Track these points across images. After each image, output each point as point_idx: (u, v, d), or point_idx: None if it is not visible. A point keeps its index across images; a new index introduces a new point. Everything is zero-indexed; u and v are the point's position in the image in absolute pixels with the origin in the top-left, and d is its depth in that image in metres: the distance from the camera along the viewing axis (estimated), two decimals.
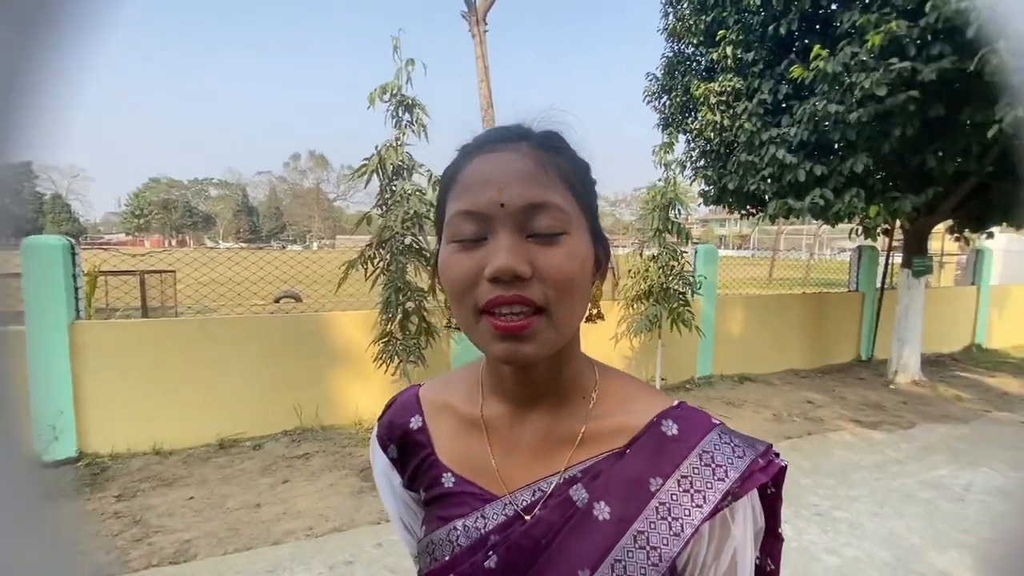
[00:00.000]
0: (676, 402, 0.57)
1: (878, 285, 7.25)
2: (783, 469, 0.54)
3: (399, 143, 3.66)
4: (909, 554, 2.68)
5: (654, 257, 5.01)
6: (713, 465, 0.51)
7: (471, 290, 0.48)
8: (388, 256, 3.71)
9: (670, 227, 4.92)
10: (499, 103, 6.14)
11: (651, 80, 7.08)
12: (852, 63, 4.34)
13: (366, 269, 3.75)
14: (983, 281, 8.29)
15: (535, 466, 0.55)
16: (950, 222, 6.51)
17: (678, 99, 6.58)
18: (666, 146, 4.95)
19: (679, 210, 4.98)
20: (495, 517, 0.54)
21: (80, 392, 3.51)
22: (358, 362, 4.30)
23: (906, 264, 6.13)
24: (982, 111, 4.15)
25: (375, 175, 3.69)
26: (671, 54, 6.81)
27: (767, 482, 0.53)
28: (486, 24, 5.99)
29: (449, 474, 0.58)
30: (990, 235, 6.79)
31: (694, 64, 6.58)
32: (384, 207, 3.78)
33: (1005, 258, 10.22)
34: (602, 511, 0.51)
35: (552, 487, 0.53)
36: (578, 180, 0.52)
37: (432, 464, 0.60)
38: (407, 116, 3.68)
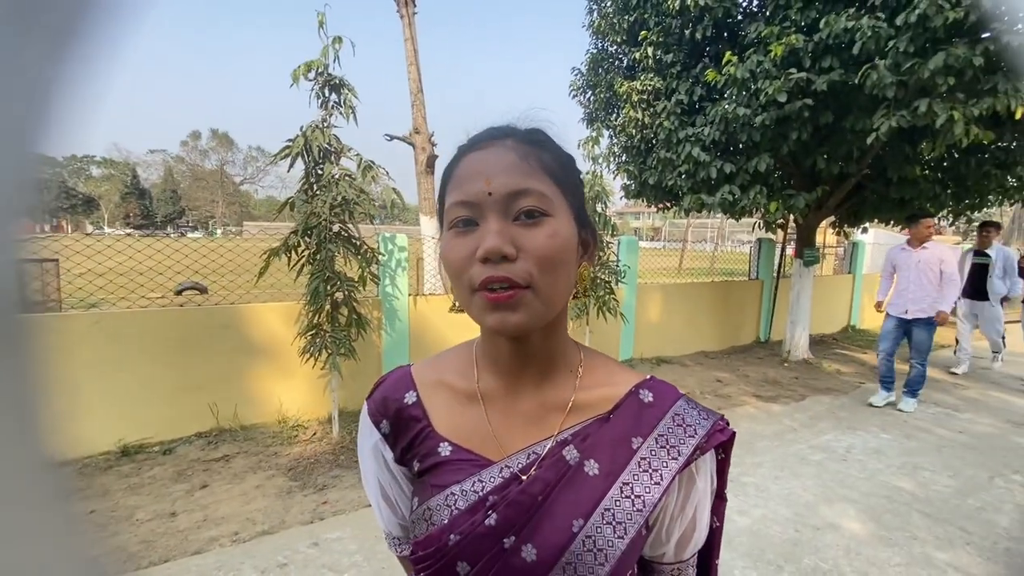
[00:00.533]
0: (648, 376, 0.66)
1: (774, 274, 8.04)
2: (734, 435, 0.63)
3: (326, 125, 3.48)
4: (806, 509, 3.05)
5: None
6: (684, 425, 0.60)
7: (466, 270, 0.54)
8: (315, 244, 3.54)
9: (597, 219, 5.13)
10: (428, 88, 6.02)
11: (576, 75, 7.26)
12: (758, 70, 4.74)
13: (290, 258, 3.55)
14: (857, 270, 9.47)
15: (530, 430, 0.61)
16: (832, 218, 7.36)
17: (602, 95, 6.81)
18: (593, 140, 5.13)
19: (606, 202, 5.20)
20: (492, 480, 0.58)
21: None
22: (280, 356, 4.06)
23: (798, 255, 6.86)
24: (862, 120, 4.72)
25: (299, 158, 3.48)
26: (595, 51, 7.03)
27: (719, 446, 0.62)
28: (415, 6, 5.81)
29: (446, 444, 0.62)
30: (864, 230, 7.77)
31: (617, 62, 6.84)
32: (309, 192, 3.58)
33: (874, 250, 11.75)
34: (592, 467, 0.57)
35: (546, 449, 0.59)
36: (560, 169, 0.58)
37: (428, 436, 0.63)
38: (334, 96, 3.51)
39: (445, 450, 0.62)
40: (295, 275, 3.60)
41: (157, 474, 3.27)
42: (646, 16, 5.87)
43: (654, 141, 6.05)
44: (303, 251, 3.56)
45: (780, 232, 7.72)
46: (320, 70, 3.40)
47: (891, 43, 4.10)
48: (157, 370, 3.68)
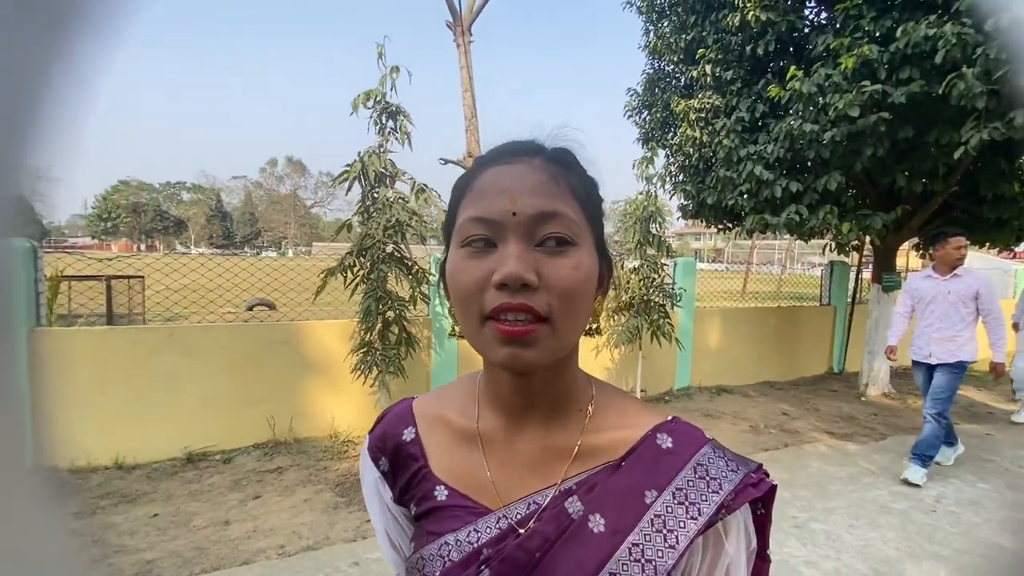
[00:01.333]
0: (670, 416, 0.58)
1: (848, 299, 7.45)
2: (773, 488, 0.55)
3: (382, 150, 3.62)
4: (886, 566, 2.72)
5: (635, 269, 5.05)
6: (708, 478, 0.52)
7: (478, 295, 0.49)
8: (369, 264, 3.65)
9: (651, 240, 4.98)
10: (483, 112, 6.17)
11: (632, 95, 7.20)
12: (826, 84, 4.48)
13: (345, 277, 3.68)
14: None
15: (530, 479, 0.55)
16: (916, 239, 6.75)
17: (658, 115, 6.70)
18: (647, 160, 5.02)
19: (659, 223, 5.04)
20: (488, 531, 0.54)
21: (38, 403, 3.32)
22: (335, 373, 4.19)
23: (876, 279, 6.32)
24: (948, 133, 4.33)
25: (356, 182, 3.63)
26: (651, 71, 6.95)
27: (758, 501, 0.54)
28: (471, 35, 6.01)
29: (442, 487, 0.58)
30: None
31: (674, 81, 6.72)
32: (365, 214, 3.72)
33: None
34: (597, 523, 0.51)
35: (547, 500, 0.54)
36: (587, 195, 0.54)
37: (425, 477, 0.59)
38: (391, 123, 3.65)
39: (441, 494, 0.57)
40: (350, 294, 3.72)
41: (216, 482, 3.42)
42: (704, 34, 5.74)
43: (713, 160, 5.84)
44: (358, 271, 3.68)
45: (855, 254, 7.18)
46: (378, 98, 3.55)
47: (979, 50, 3.75)
48: (222, 382, 3.89)
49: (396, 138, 3.62)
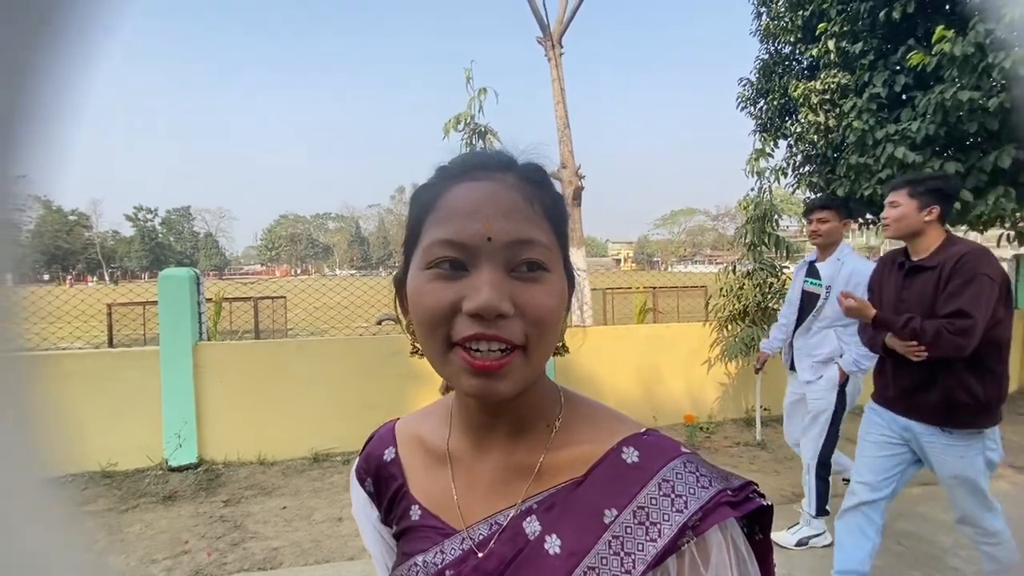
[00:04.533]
0: (643, 429, 0.53)
1: None
2: (766, 509, 0.49)
3: None
4: None
5: (749, 274, 4.60)
6: (672, 495, 0.47)
7: (445, 321, 0.46)
8: None
9: (767, 240, 4.50)
10: (575, 124, 6.14)
11: (745, 85, 6.65)
12: (987, 42, 3.70)
13: None
14: None
15: (494, 498, 0.54)
16: None
17: (775, 102, 6.10)
18: (759, 153, 4.57)
19: (777, 221, 4.54)
20: (452, 551, 0.53)
21: (201, 405, 3.98)
22: (437, 383, 4.39)
23: None
24: None
25: None
26: (766, 56, 6.36)
27: (754, 524, 0.49)
28: (562, 47, 6.04)
29: (416, 507, 0.58)
30: None
31: (792, 63, 6.07)
32: None
33: None
34: (553, 544, 0.49)
35: (508, 520, 0.52)
36: (557, 214, 0.51)
37: (403, 496, 0.59)
38: (480, 144, 3.79)
39: (415, 514, 0.57)
40: None
41: (336, 481, 3.77)
42: (825, 6, 5.11)
43: (842, 146, 5.14)
44: None
45: None
46: (467, 121, 3.72)
47: None
48: (342, 389, 4.31)
49: None
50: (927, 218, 2.04)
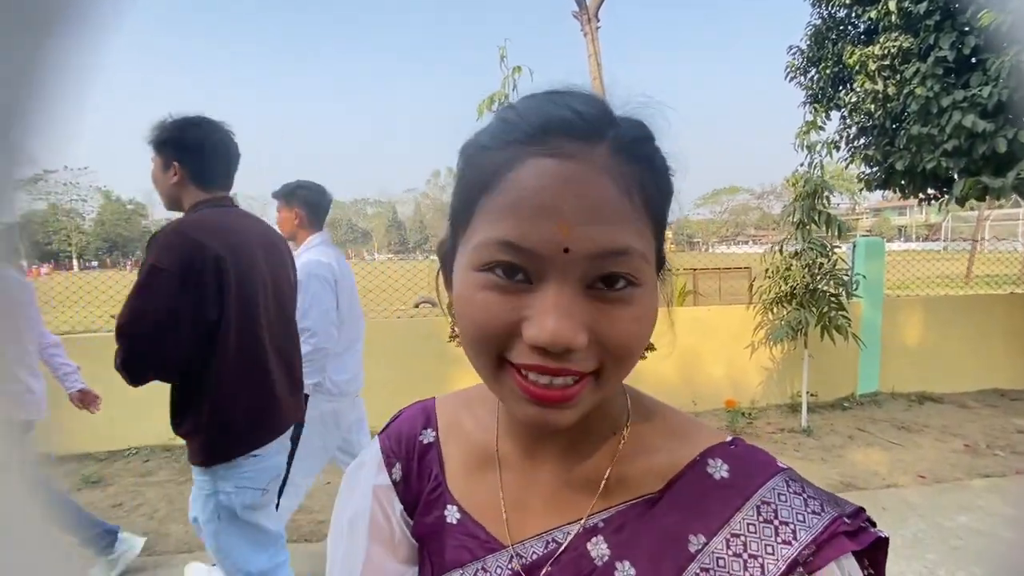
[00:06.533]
0: (730, 438, 0.46)
1: None
2: (882, 541, 0.41)
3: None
4: None
5: (797, 254, 4.38)
6: (776, 523, 0.40)
7: (500, 339, 0.37)
8: None
9: (817, 218, 4.26)
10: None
11: (794, 54, 6.27)
12: None
13: None
14: None
15: (550, 513, 0.47)
16: None
17: (828, 71, 5.72)
18: (810, 125, 4.30)
19: (828, 198, 4.29)
20: (498, 570, 0.46)
21: None
22: (468, 366, 4.44)
23: None
24: None
25: None
26: (819, 21, 5.96)
27: (862, 558, 0.40)
28: (598, 21, 5.83)
29: (454, 508, 0.50)
30: None
31: (848, 28, 5.66)
32: None
33: None
34: (626, 572, 0.42)
35: (568, 539, 0.45)
36: (660, 199, 0.40)
37: (438, 490, 0.51)
38: None
39: (452, 516, 0.49)
40: None
41: None
42: None
43: (903, 115, 4.78)
44: None
45: None
46: (501, 100, 3.65)
47: None
48: (380, 371, 4.40)
49: None
50: (172, 179, 1.52)
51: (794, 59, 6.23)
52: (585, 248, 0.35)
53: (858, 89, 5.00)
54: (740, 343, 4.69)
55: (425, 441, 0.54)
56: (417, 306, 12.02)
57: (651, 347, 0.45)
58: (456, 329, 0.43)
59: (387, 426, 0.57)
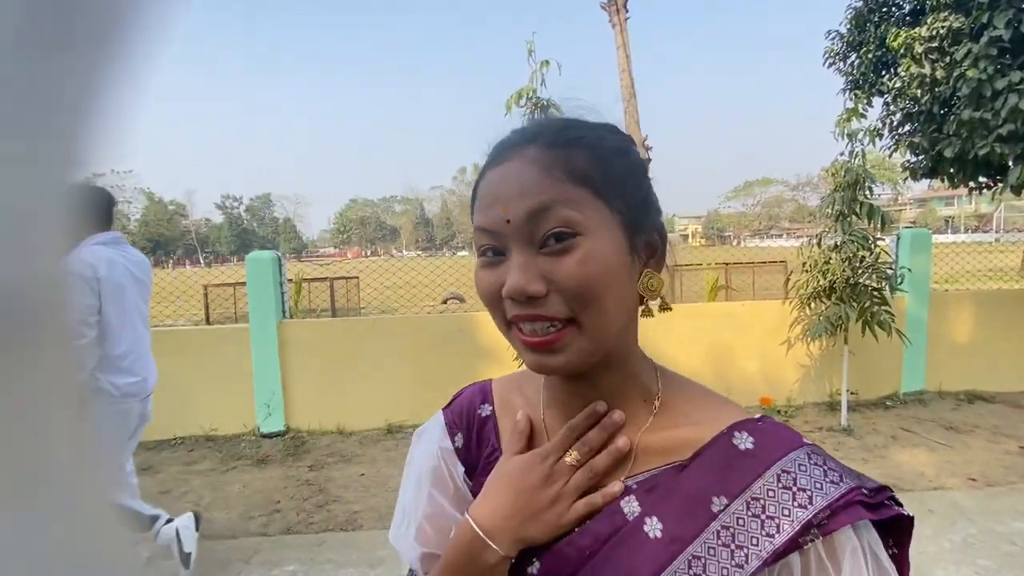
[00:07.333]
0: (757, 415, 0.51)
1: None
2: (906, 519, 0.44)
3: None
4: None
5: (836, 247, 4.22)
6: (794, 488, 0.44)
7: (499, 304, 0.48)
8: None
9: (859, 210, 4.10)
10: (642, 92, 5.82)
11: (833, 38, 6.04)
12: None
13: None
14: None
15: None
16: None
17: (870, 55, 5.49)
18: (851, 113, 4.13)
19: (870, 188, 4.12)
20: None
21: (286, 378, 4.28)
22: (502, 359, 4.45)
23: None
24: None
25: None
26: (859, 3, 5.71)
27: (888, 537, 0.44)
28: (627, 12, 5.73)
29: None
30: None
31: (891, 10, 5.41)
32: None
33: None
34: (653, 527, 0.47)
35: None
36: (599, 169, 0.48)
37: (493, 454, 0.59)
38: (543, 117, 3.70)
39: None
40: None
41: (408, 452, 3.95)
42: None
43: (953, 100, 4.55)
44: None
45: None
46: (529, 95, 3.63)
47: None
48: (410, 365, 4.47)
49: None
50: None
51: (833, 44, 6.01)
52: (518, 215, 0.45)
53: (903, 73, 4.77)
54: (775, 339, 4.56)
55: (483, 415, 0.62)
56: (445, 302, 12.12)
57: (666, 307, 0.53)
58: None
59: (450, 402, 0.66)
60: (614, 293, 0.46)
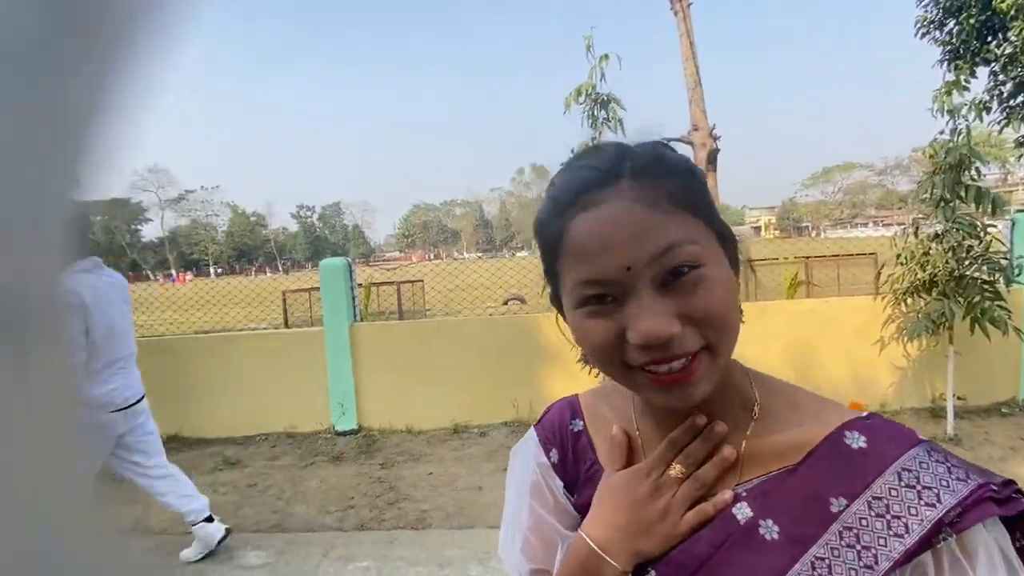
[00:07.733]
0: (865, 413, 0.49)
1: None
2: None
3: (595, 142, 3.63)
4: None
5: (937, 236, 3.80)
6: (918, 487, 0.43)
7: (616, 351, 0.46)
8: None
9: (963, 194, 3.67)
10: (707, 81, 5.53)
11: (927, 5, 5.46)
12: None
13: None
14: None
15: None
16: None
17: (972, 20, 4.89)
18: (951, 86, 3.72)
19: (978, 169, 3.68)
20: None
21: (358, 378, 4.47)
22: (565, 361, 4.39)
23: None
24: None
25: None
26: None
27: (1015, 529, 0.43)
28: None
29: None
30: None
31: None
32: None
33: None
34: (769, 529, 0.46)
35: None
36: (693, 192, 0.47)
37: (595, 472, 0.58)
38: (603, 113, 3.62)
39: None
40: None
41: (474, 452, 3.99)
42: None
43: None
44: None
45: None
46: (588, 91, 3.57)
47: None
48: (476, 367, 4.52)
49: (608, 127, 3.57)
50: None
51: (927, 12, 5.43)
52: (639, 259, 0.44)
53: (1013, 38, 4.22)
54: (866, 339, 4.18)
55: (575, 430, 0.62)
56: (506, 303, 12.20)
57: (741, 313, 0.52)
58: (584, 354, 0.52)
59: (540, 419, 0.66)
60: (734, 313, 0.47)
